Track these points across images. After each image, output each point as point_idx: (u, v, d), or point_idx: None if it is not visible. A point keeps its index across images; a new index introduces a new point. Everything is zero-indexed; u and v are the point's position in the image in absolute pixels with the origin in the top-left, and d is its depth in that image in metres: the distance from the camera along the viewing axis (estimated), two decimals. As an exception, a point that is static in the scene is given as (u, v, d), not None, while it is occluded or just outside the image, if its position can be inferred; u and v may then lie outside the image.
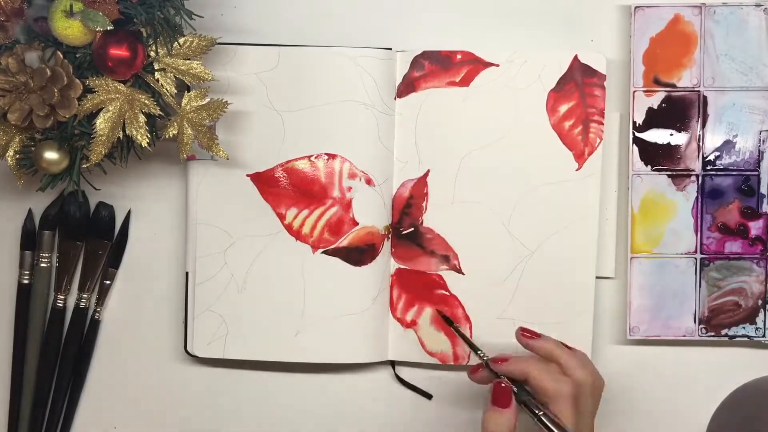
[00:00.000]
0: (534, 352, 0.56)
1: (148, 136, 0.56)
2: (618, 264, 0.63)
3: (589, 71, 0.61)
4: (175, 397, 0.65)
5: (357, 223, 0.61)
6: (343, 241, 0.61)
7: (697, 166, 0.62)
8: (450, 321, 0.61)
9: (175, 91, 0.56)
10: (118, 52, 0.54)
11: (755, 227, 0.62)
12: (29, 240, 0.64)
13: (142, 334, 0.65)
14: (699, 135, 0.62)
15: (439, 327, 0.62)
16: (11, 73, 0.55)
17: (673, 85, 0.61)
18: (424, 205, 0.62)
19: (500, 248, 0.62)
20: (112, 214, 0.64)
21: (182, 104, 0.57)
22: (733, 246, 0.62)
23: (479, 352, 0.57)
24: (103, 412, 0.65)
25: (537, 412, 0.53)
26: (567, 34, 0.63)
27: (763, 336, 0.62)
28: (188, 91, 0.57)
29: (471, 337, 0.62)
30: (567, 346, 0.56)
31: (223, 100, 0.57)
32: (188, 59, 0.56)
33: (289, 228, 0.62)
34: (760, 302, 0.62)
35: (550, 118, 0.61)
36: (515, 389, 0.54)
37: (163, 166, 0.63)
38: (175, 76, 0.56)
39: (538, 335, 0.57)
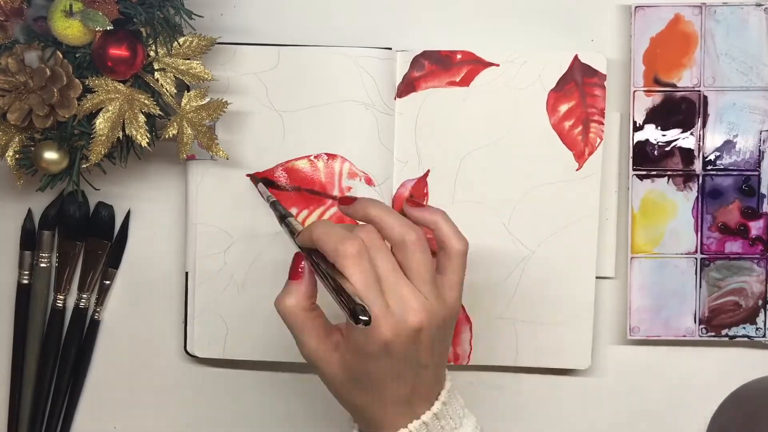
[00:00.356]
0: (355, 218, 0.50)
1: (148, 136, 0.56)
2: (618, 264, 0.63)
3: (589, 71, 0.61)
4: (175, 397, 0.65)
5: (357, 223, 0.61)
6: (343, 241, 0.61)
7: (697, 166, 0.62)
8: (257, 180, 0.58)
9: (175, 91, 0.56)
10: (118, 51, 0.54)
11: (755, 227, 0.62)
12: (29, 240, 0.64)
13: (142, 334, 0.65)
14: (699, 135, 0.61)
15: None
16: (11, 73, 0.54)
17: (674, 85, 0.61)
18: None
19: (500, 248, 0.61)
20: (111, 214, 0.64)
21: (182, 104, 0.57)
22: (734, 246, 0.62)
23: (270, 199, 0.56)
24: (103, 412, 0.65)
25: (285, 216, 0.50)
26: (567, 34, 0.63)
27: (764, 336, 0.62)
28: (188, 91, 0.57)
29: (471, 336, 0.62)
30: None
31: (223, 100, 0.57)
32: (188, 59, 0.56)
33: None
34: (760, 302, 0.62)
35: (550, 118, 0.61)
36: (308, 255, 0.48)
37: (163, 166, 0.63)
38: (174, 76, 0.56)
39: (353, 200, 0.50)
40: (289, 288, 0.48)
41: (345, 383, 0.47)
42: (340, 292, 0.44)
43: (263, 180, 0.60)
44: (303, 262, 0.48)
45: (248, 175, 0.61)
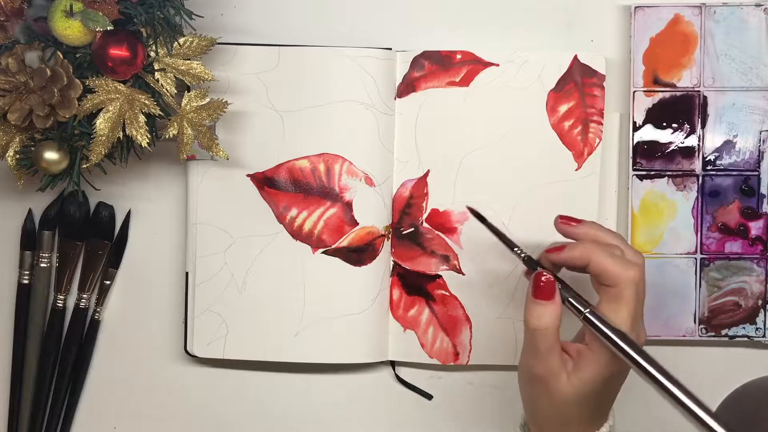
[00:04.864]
0: (576, 239, 0.50)
1: (148, 136, 0.56)
2: (618, 264, 0.63)
3: (588, 71, 0.61)
4: (175, 397, 0.65)
5: (357, 223, 0.61)
6: (343, 241, 0.61)
7: (697, 166, 0.62)
8: (481, 217, 0.54)
9: (175, 91, 0.56)
10: (118, 52, 0.54)
11: (755, 227, 0.62)
12: (29, 240, 0.64)
13: (142, 334, 0.65)
14: (699, 135, 0.62)
15: (438, 327, 0.62)
16: (11, 73, 0.55)
17: (673, 85, 0.61)
18: (424, 205, 0.62)
19: (500, 248, 0.61)
20: (112, 214, 0.64)
21: (182, 104, 0.57)
22: (733, 246, 0.62)
23: (516, 249, 0.52)
24: (103, 412, 0.65)
25: (583, 309, 0.47)
26: (567, 34, 0.63)
27: (763, 336, 0.62)
28: (188, 91, 0.57)
29: (471, 336, 0.62)
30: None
31: (223, 100, 0.57)
32: (188, 59, 0.56)
33: (289, 228, 0.62)
34: (760, 302, 0.62)
35: (550, 118, 0.61)
36: (560, 285, 0.48)
37: (163, 166, 0.63)
38: (175, 76, 0.56)
39: (578, 221, 0.50)
40: (543, 308, 0.48)
41: (570, 399, 0.48)
42: (604, 324, 0.46)
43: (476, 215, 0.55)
44: (554, 287, 0.48)
45: (470, 209, 0.55)
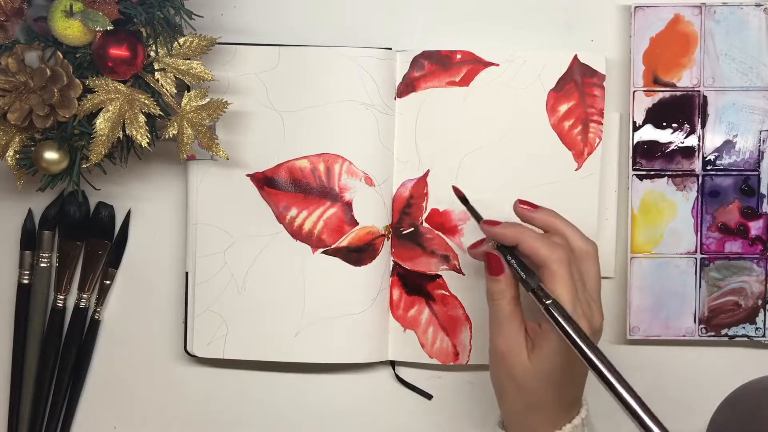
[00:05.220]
0: (533, 224, 0.54)
1: (148, 136, 0.56)
2: (618, 264, 0.63)
3: (588, 71, 0.61)
4: (175, 397, 0.65)
5: (357, 223, 0.61)
6: (343, 241, 0.61)
7: (697, 166, 0.62)
8: (464, 198, 0.57)
9: (175, 91, 0.56)
10: (118, 52, 0.54)
11: (755, 227, 0.62)
12: (29, 240, 0.64)
13: (142, 334, 0.65)
14: (699, 135, 0.62)
15: (438, 327, 0.62)
16: (11, 73, 0.55)
17: (673, 85, 0.61)
18: (424, 205, 0.62)
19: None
20: (112, 214, 0.64)
21: (182, 104, 0.57)
22: (733, 246, 0.62)
23: (481, 220, 0.55)
24: (103, 412, 0.65)
25: (522, 276, 0.51)
26: (567, 34, 0.63)
27: (763, 336, 0.62)
28: (188, 91, 0.57)
29: (471, 336, 0.62)
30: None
31: (223, 100, 0.57)
32: (188, 59, 0.56)
33: (289, 228, 0.62)
34: (760, 302, 0.62)
35: (550, 118, 0.61)
36: (507, 256, 0.52)
37: (163, 166, 0.63)
38: (175, 76, 0.56)
39: (536, 207, 0.55)
40: (495, 283, 0.52)
41: (531, 378, 0.50)
42: (539, 289, 0.49)
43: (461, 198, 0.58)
44: (502, 260, 0.52)
45: (454, 188, 0.58)
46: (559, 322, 0.48)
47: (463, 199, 0.57)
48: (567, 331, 0.48)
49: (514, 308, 0.51)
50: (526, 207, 0.55)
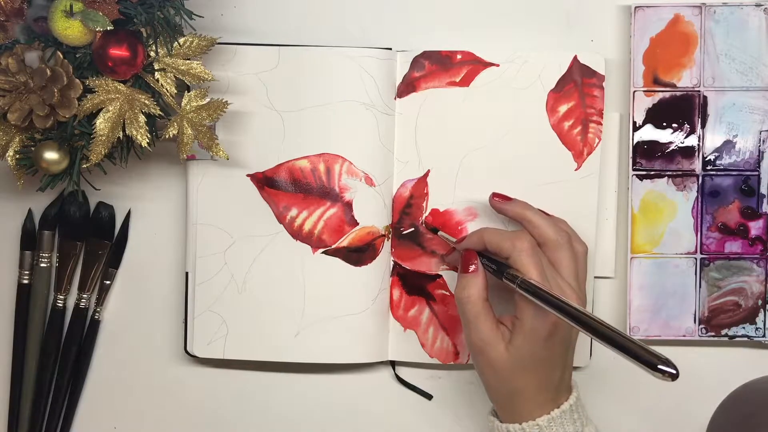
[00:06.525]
0: (506, 216, 0.59)
1: (148, 136, 0.56)
2: (618, 264, 0.63)
3: (588, 71, 0.61)
4: (175, 397, 0.65)
5: (357, 223, 0.61)
6: (343, 241, 0.61)
7: (697, 166, 0.62)
8: (435, 229, 0.61)
9: (175, 91, 0.56)
10: (118, 52, 0.54)
11: (755, 227, 0.62)
12: (29, 240, 0.64)
13: (142, 334, 0.65)
14: (699, 135, 0.62)
15: (438, 326, 0.62)
16: (11, 73, 0.55)
17: (673, 85, 0.61)
18: (424, 205, 0.62)
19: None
20: (112, 214, 0.64)
21: (182, 104, 0.57)
22: (733, 246, 0.62)
23: (453, 240, 0.59)
24: (103, 412, 0.65)
25: (494, 267, 0.54)
26: (567, 34, 0.63)
27: (763, 336, 0.62)
28: (188, 91, 0.57)
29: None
30: (544, 213, 0.58)
31: (223, 100, 0.57)
32: (188, 59, 0.56)
33: (289, 228, 0.62)
34: (760, 302, 0.62)
35: (550, 118, 0.61)
36: (491, 264, 0.55)
37: (163, 166, 0.63)
38: (175, 76, 0.56)
39: (509, 198, 0.59)
40: (466, 280, 0.54)
41: (509, 367, 0.53)
42: (513, 281, 0.52)
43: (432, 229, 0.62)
44: (476, 258, 0.55)
45: (427, 224, 0.62)
46: (530, 286, 0.50)
47: (435, 230, 0.61)
48: (538, 292, 0.50)
49: (484, 306, 0.54)
50: (498, 199, 0.59)
